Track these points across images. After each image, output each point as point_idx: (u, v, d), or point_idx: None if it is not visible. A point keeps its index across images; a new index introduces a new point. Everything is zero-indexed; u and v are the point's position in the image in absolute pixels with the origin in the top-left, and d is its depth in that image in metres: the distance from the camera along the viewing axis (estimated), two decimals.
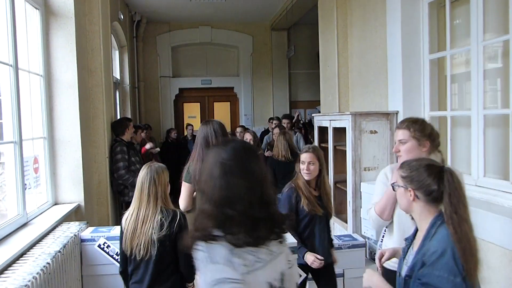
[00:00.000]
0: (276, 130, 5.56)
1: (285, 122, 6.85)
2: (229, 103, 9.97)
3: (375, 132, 3.64)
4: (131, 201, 4.40)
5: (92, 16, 4.28)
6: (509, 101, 2.76)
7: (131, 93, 7.92)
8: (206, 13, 8.55)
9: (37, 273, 2.20)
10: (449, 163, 3.30)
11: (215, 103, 9.93)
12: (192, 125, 8.47)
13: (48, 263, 2.36)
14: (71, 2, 3.76)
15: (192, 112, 9.83)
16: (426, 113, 3.56)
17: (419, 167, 1.67)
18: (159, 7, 8.03)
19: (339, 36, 4.75)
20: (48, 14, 3.72)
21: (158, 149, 7.72)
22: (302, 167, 2.76)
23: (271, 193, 1.45)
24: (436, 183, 1.61)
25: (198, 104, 9.86)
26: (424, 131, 2.18)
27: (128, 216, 2.37)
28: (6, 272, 2.23)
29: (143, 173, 2.38)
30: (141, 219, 2.31)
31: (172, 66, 9.39)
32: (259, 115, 9.55)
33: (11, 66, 2.98)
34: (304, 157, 2.77)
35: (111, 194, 4.50)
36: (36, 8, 3.60)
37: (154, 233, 2.27)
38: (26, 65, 3.39)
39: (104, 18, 4.51)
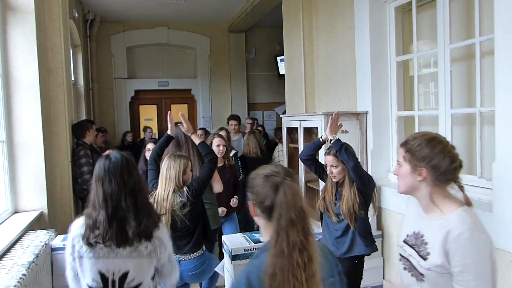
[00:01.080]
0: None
1: (232, 124, 6.73)
2: (186, 105, 9.82)
3: (346, 132, 3.74)
4: None
5: (52, 12, 4.07)
6: (474, 100, 2.94)
7: (85, 95, 7.60)
8: (162, 13, 8.39)
9: (15, 286, 2.05)
10: None
11: (172, 105, 9.72)
12: (151, 128, 8.27)
13: (24, 275, 2.20)
14: None
15: (148, 114, 9.59)
16: (393, 113, 3.71)
17: (258, 177, 1.39)
18: (113, 6, 7.77)
19: (305, 38, 4.83)
20: (5, 8, 3.49)
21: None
22: (328, 170, 2.73)
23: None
24: (270, 197, 1.33)
25: (155, 106, 9.64)
26: (419, 153, 1.64)
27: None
28: None
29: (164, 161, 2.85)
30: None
31: (128, 67, 9.11)
32: (218, 117, 9.48)
33: None
34: (327, 159, 2.72)
35: (74, 200, 4.29)
36: None
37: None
38: None
39: (64, 15, 4.30)
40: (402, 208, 3.35)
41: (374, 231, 3.60)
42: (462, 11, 3.18)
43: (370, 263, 3.59)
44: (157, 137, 8.82)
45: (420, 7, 3.49)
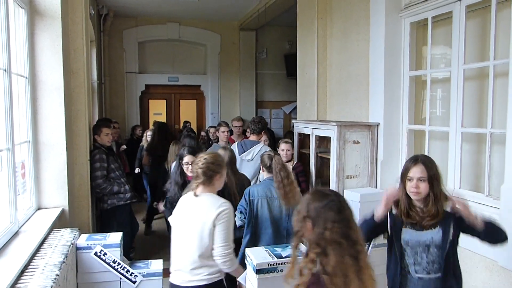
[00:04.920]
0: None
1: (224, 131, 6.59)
2: (195, 101, 9.97)
3: (358, 142, 3.87)
4: (109, 208, 4.39)
5: (75, 16, 4.17)
6: (484, 120, 3.07)
7: (97, 89, 7.74)
8: (174, 9, 8.50)
9: (51, 286, 2.20)
10: None
11: (181, 101, 9.90)
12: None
13: (57, 275, 2.36)
14: (58, 2, 3.66)
15: (158, 109, 9.75)
16: (404, 126, 3.83)
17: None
18: (126, 1, 7.88)
19: (319, 46, 4.94)
20: (33, 14, 3.61)
21: (124, 146, 7.63)
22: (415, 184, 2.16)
23: None
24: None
25: (164, 101, 9.79)
26: None
27: None
28: (17, 285, 2.21)
29: None
30: None
31: (139, 62, 9.26)
32: (226, 114, 9.61)
33: (4, 70, 2.90)
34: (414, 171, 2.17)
35: (92, 198, 4.44)
36: (21, 7, 3.48)
37: None
38: (13, 67, 3.28)
39: (86, 18, 4.42)
40: None
41: (381, 240, 3.74)
42: (478, 31, 3.28)
43: (375, 271, 3.73)
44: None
45: (435, 23, 3.59)
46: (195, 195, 2.57)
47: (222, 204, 2.49)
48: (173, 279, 2.56)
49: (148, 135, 7.01)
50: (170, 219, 2.70)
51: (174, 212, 2.66)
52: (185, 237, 2.50)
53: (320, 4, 4.96)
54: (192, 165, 2.83)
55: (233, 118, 6.55)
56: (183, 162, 3.77)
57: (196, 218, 2.46)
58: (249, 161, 4.45)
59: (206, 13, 8.84)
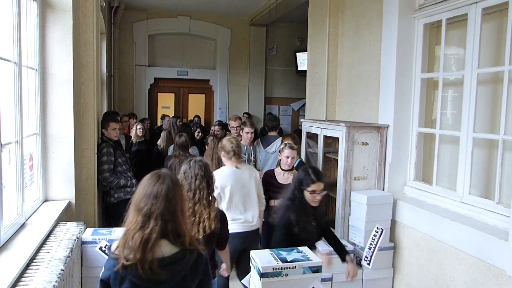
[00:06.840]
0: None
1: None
2: (204, 95, 9.96)
3: (367, 144, 3.83)
4: (116, 202, 4.39)
5: (86, 9, 4.17)
6: (496, 125, 3.02)
7: (107, 81, 7.74)
8: (185, 3, 8.48)
9: (56, 281, 2.21)
10: (434, 178, 3.55)
11: (190, 95, 9.90)
12: (169, 116, 8.39)
13: (62, 270, 2.36)
14: None
15: (166, 102, 9.76)
16: (414, 129, 3.78)
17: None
18: None
19: (330, 44, 4.89)
20: (45, 6, 3.61)
21: None
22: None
23: None
24: None
25: (173, 94, 9.80)
26: None
27: None
28: (23, 279, 2.21)
29: None
30: None
31: (148, 55, 9.26)
32: (234, 109, 9.60)
33: (15, 63, 2.90)
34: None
35: (98, 191, 4.45)
36: (33, 0, 3.48)
37: None
38: (23, 59, 3.28)
39: (97, 10, 4.41)
40: (416, 223, 3.47)
41: (387, 243, 3.73)
42: (493, 35, 3.22)
43: (379, 273, 3.73)
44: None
45: (449, 25, 3.52)
46: (237, 167, 3.66)
47: (253, 168, 3.91)
48: (240, 228, 3.58)
49: (138, 129, 6.52)
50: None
51: (224, 181, 3.58)
52: (245, 195, 3.63)
53: (333, 2, 4.90)
54: (228, 145, 3.69)
55: (230, 117, 6.03)
56: (311, 189, 2.92)
57: (249, 181, 3.66)
58: (272, 153, 5.15)
59: (217, 8, 8.81)
